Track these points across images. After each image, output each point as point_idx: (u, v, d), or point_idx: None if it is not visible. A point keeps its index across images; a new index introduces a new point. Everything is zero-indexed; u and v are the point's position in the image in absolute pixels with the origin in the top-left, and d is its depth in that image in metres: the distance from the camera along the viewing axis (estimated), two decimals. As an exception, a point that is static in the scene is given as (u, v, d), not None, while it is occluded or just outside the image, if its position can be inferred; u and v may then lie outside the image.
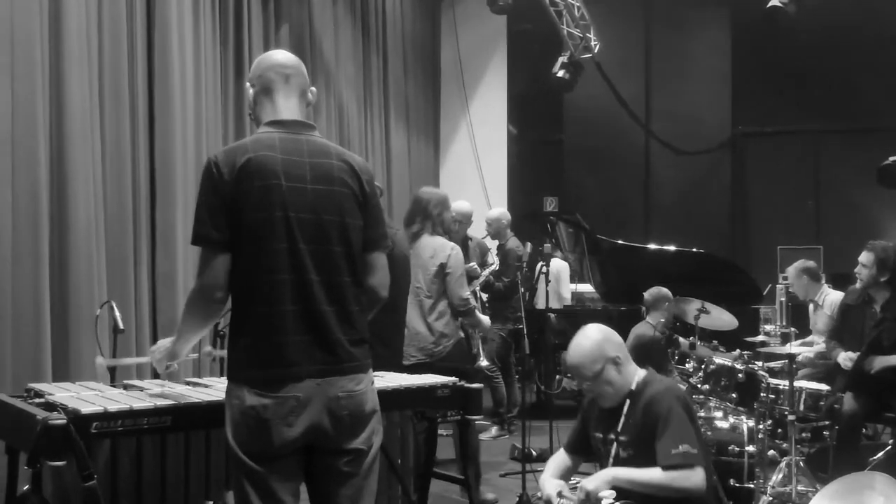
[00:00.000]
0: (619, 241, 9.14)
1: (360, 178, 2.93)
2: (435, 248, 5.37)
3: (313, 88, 3.04)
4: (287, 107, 2.93)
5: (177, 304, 5.65)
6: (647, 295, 6.75)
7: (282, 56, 3.01)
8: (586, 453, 3.87)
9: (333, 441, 2.78)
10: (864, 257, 5.95)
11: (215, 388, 3.35)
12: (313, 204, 2.81)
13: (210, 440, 3.08)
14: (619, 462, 3.58)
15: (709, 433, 5.13)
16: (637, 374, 3.68)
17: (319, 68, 8.29)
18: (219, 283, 2.74)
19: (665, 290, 6.69)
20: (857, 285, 6.08)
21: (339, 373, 2.78)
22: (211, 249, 2.74)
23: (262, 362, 2.72)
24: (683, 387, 5.76)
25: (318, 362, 2.76)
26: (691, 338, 6.30)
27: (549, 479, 3.77)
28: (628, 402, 3.62)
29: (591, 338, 3.66)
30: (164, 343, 3.07)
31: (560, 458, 3.91)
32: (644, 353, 5.81)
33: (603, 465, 3.68)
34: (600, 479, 3.48)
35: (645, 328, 6.42)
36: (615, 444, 3.61)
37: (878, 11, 11.42)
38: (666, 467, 3.40)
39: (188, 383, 3.63)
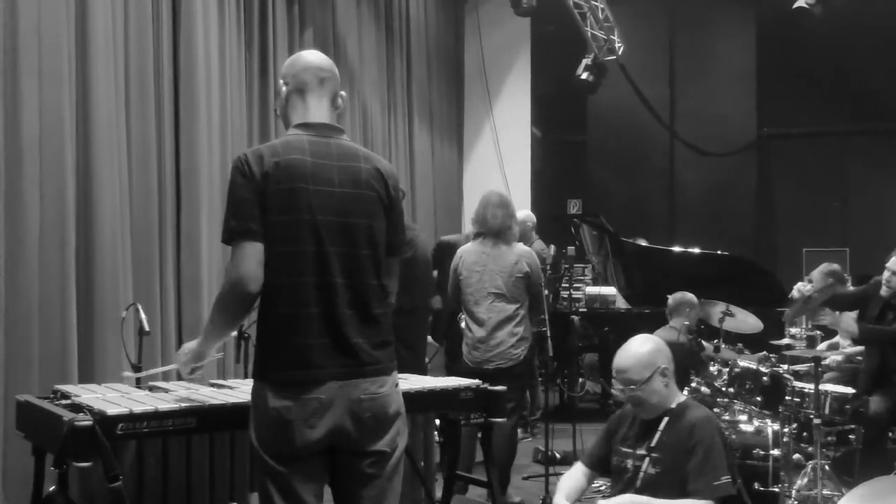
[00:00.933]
0: (644, 244, 9.11)
1: (386, 182, 2.95)
2: (519, 255, 5.44)
3: (343, 93, 3.04)
4: (318, 110, 2.94)
5: (201, 307, 5.67)
6: (670, 299, 6.71)
7: (317, 58, 3.02)
8: (605, 469, 3.82)
9: (356, 443, 2.79)
10: (894, 263, 5.74)
11: (240, 390, 3.37)
12: (340, 207, 2.82)
13: (235, 441, 3.10)
14: (645, 478, 3.54)
15: (733, 437, 5.10)
16: (678, 395, 3.69)
17: (343, 71, 8.28)
18: (255, 274, 2.72)
19: (689, 296, 6.63)
20: (883, 292, 5.80)
21: (361, 375, 2.79)
22: (247, 241, 2.72)
23: (283, 364, 2.74)
24: (708, 391, 5.73)
25: (339, 365, 2.76)
26: (715, 340, 6.26)
27: (563, 502, 3.69)
28: (666, 419, 3.59)
29: (645, 345, 3.69)
30: (190, 345, 3.04)
31: (574, 477, 3.83)
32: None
33: (621, 483, 3.64)
34: None
35: (668, 333, 6.37)
36: (646, 458, 3.56)
37: (905, 12, 11.32)
38: (702, 497, 3.38)
39: (212, 385, 3.64)
